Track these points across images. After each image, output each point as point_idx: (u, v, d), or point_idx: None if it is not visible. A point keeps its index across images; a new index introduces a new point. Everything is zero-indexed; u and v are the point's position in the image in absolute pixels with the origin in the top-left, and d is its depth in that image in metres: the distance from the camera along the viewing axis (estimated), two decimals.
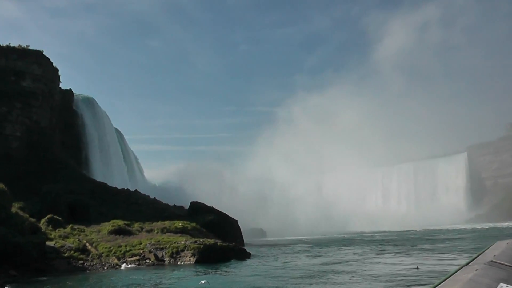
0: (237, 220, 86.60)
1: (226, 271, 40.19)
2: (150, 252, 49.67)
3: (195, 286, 28.84)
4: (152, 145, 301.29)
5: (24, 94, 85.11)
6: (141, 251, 50.08)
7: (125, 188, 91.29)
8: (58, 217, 59.32)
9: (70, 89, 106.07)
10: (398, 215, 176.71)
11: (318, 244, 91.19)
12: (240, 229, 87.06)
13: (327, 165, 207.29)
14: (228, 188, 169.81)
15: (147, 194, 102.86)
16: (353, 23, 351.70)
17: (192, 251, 47.93)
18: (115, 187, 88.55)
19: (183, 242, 49.66)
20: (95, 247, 51.51)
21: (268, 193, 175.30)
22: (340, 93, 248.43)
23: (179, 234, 60.22)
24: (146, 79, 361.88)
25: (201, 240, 50.71)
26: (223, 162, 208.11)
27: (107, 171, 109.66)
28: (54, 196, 66.41)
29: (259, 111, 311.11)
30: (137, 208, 79.63)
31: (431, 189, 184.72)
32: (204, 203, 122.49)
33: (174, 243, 49.97)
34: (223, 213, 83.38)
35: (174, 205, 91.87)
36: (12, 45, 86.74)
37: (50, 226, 57.63)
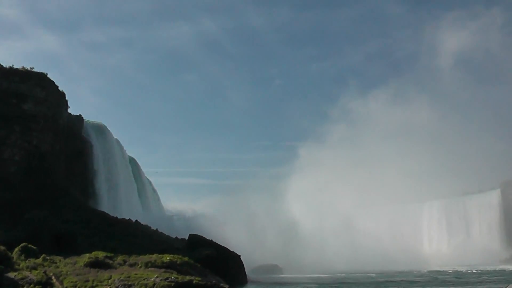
0: (239, 255, 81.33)
1: None
2: None
3: None
4: (187, 179, 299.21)
5: (24, 117, 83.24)
6: (108, 287, 45.58)
7: (127, 219, 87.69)
8: (32, 246, 55.62)
9: (80, 115, 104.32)
10: (429, 254, 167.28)
11: (332, 284, 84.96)
12: (243, 265, 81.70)
13: (358, 199, 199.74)
14: (253, 223, 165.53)
15: (160, 225, 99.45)
16: (388, 55, 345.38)
17: None
18: (116, 217, 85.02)
19: (152, 279, 44.92)
20: (61, 281, 47.31)
21: (297, 228, 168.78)
22: (374, 127, 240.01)
23: (163, 269, 55.44)
24: (181, 113, 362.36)
25: (172, 277, 45.83)
26: (254, 196, 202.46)
27: (115, 200, 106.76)
28: (37, 224, 62.86)
29: (294, 146, 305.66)
30: (133, 239, 75.68)
31: (464, 228, 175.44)
32: (228, 237, 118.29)
33: (144, 279, 45.27)
34: (223, 247, 78.48)
35: (176, 237, 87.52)
36: (15, 66, 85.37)
37: (22, 255, 53.91)
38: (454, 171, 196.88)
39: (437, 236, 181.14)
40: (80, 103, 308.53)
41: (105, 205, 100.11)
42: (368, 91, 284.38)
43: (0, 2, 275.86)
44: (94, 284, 46.37)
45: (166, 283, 44.12)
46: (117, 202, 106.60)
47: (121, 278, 46.56)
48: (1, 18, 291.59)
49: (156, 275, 46.60)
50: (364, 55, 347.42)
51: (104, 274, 49.82)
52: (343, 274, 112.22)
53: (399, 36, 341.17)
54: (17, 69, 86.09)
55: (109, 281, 46.90)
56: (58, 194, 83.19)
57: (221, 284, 50.06)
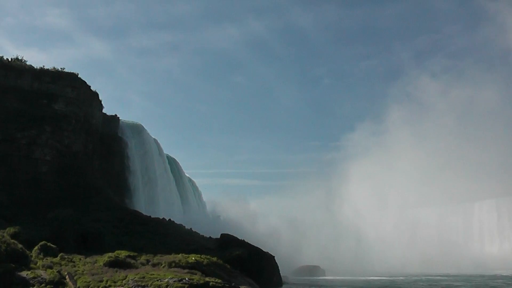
0: (273, 256, 78.13)
1: None
2: None
3: None
4: (235, 179, 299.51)
5: (55, 117, 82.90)
6: (121, 287, 43.45)
7: (161, 218, 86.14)
8: (52, 245, 54.35)
9: (116, 115, 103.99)
10: (481, 256, 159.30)
11: None
12: (277, 266, 78.47)
13: (410, 200, 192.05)
14: (302, 223, 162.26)
15: (201, 225, 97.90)
16: (441, 49, 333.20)
17: None
18: (149, 216, 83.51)
19: (166, 280, 42.48)
20: (75, 281, 45.52)
21: (349, 228, 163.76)
22: (433, 112, 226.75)
23: (187, 270, 53.04)
24: (230, 115, 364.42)
25: (187, 278, 43.24)
26: (304, 196, 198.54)
27: (152, 200, 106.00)
28: (61, 222, 61.78)
29: (344, 145, 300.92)
30: (163, 238, 73.70)
31: None
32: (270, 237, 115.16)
33: (157, 280, 42.88)
34: (256, 247, 75.38)
35: (210, 237, 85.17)
36: (46, 67, 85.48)
37: (41, 254, 52.68)
38: (507, 167, 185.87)
39: (489, 237, 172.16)
40: (130, 107, 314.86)
41: (142, 205, 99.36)
42: (426, 76, 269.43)
43: (49, 11, 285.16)
44: (107, 284, 44.36)
45: (179, 284, 41.64)
46: (155, 202, 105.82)
47: (135, 279, 44.35)
48: (50, 26, 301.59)
49: (170, 276, 44.16)
50: (415, 51, 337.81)
51: (121, 274, 47.83)
52: (388, 277, 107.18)
53: (452, 29, 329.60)
54: (47, 69, 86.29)
55: (124, 281, 44.84)
56: (91, 193, 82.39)
57: (242, 287, 47.02)
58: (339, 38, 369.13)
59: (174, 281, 42.16)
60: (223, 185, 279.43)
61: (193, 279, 43.36)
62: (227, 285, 44.79)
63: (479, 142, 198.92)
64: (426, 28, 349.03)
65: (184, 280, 42.54)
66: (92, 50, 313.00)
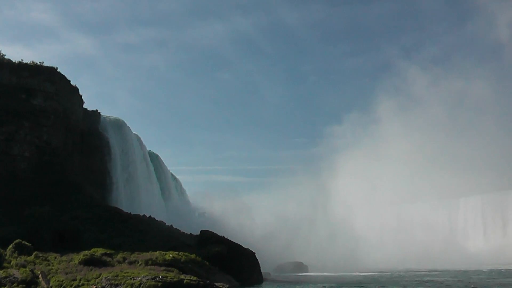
0: (254, 253, 77.65)
1: None
2: None
3: None
4: (224, 176, 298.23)
5: (34, 112, 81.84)
6: (94, 286, 42.96)
7: (141, 215, 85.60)
8: (27, 243, 53.74)
9: (97, 111, 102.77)
10: (465, 251, 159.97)
11: (354, 283, 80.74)
12: (258, 263, 78.07)
13: (399, 195, 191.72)
14: (289, 219, 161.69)
15: (183, 222, 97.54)
16: (428, 47, 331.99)
17: None
18: (129, 213, 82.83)
19: (139, 278, 42.04)
20: (48, 280, 44.98)
21: (338, 224, 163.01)
22: (421, 110, 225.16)
23: (163, 268, 52.76)
24: (217, 111, 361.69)
25: (160, 276, 42.83)
26: (291, 192, 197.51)
27: (133, 197, 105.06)
28: (36, 220, 61.00)
29: (332, 138, 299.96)
30: (142, 236, 73.21)
31: (501, 224, 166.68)
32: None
33: (130, 279, 42.45)
34: (235, 244, 74.96)
35: (191, 234, 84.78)
36: (24, 61, 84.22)
37: (16, 252, 52.02)
38: (493, 164, 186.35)
39: (473, 232, 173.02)
40: (116, 104, 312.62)
41: (123, 201, 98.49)
42: (415, 68, 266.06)
43: (34, 6, 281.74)
44: (80, 283, 43.96)
45: (153, 282, 41.17)
46: (136, 198, 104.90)
47: (108, 277, 43.87)
48: (35, 22, 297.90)
49: (144, 274, 43.72)
50: (402, 49, 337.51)
51: (95, 272, 47.35)
52: (371, 273, 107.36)
53: (440, 27, 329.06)
54: (26, 63, 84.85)
55: (97, 280, 44.36)
56: (70, 190, 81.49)
57: (216, 284, 46.69)
58: (325, 35, 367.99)
59: (148, 279, 41.70)
60: (209, 181, 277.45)
61: (166, 277, 42.94)
62: (202, 282, 44.31)
63: (467, 136, 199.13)
64: (414, 26, 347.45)
65: (157, 278, 42.09)
66: (77, 46, 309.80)
